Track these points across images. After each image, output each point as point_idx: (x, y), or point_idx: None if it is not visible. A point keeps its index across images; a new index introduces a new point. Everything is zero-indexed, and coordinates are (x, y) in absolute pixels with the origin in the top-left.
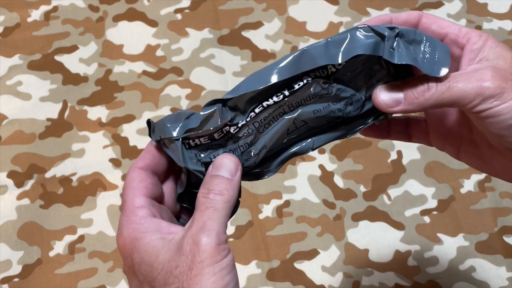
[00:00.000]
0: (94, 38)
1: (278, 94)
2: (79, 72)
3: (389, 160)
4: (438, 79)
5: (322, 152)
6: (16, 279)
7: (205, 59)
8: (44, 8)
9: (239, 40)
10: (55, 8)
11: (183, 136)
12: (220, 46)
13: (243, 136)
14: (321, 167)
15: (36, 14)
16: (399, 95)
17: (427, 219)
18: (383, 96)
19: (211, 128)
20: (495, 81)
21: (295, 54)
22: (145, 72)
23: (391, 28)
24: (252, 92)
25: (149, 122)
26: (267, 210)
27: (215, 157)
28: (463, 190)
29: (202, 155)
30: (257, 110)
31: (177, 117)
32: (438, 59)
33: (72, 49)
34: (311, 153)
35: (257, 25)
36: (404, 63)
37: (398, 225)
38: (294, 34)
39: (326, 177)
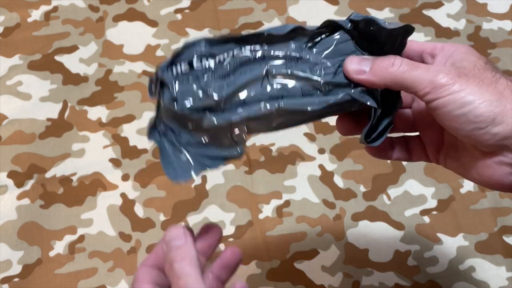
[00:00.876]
0: (94, 38)
1: (257, 45)
2: (79, 72)
3: (388, 160)
4: (404, 61)
5: (322, 152)
6: (16, 279)
7: None
8: (44, 8)
9: None
10: (55, 8)
11: (169, 60)
12: None
13: (219, 69)
14: (321, 167)
15: (36, 14)
16: (366, 66)
17: (427, 219)
18: (352, 64)
19: (193, 54)
20: (449, 74)
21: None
22: (145, 72)
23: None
24: (236, 35)
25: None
26: (267, 210)
27: (188, 79)
28: (463, 190)
29: (181, 77)
30: (235, 52)
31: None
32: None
33: (72, 49)
34: (311, 153)
35: (257, 25)
36: (364, 18)
37: (398, 225)
38: None
39: (326, 177)
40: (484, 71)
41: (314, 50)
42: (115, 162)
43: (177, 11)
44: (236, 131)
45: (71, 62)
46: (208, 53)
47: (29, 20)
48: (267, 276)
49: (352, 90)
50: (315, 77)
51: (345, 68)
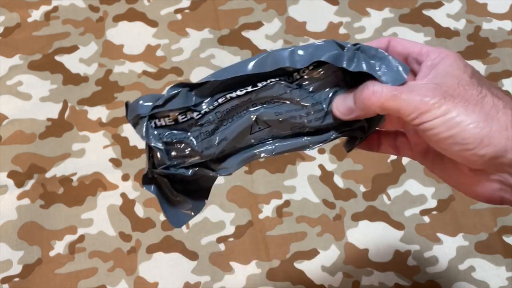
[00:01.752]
0: (94, 38)
1: (242, 89)
2: (79, 72)
3: (388, 160)
4: (385, 87)
5: (322, 152)
6: (16, 279)
7: (205, 59)
8: (44, 8)
9: (239, 40)
10: (55, 8)
11: (150, 113)
12: (220, 46)
13: (205, 124)
14: (321, 167)
15: (36, 14)
16: (350, 101)
17: (426, 219)
18: (339, 105)
19: (175, 108)
20: (435, 97)
21: (262, 55)
22: (145, 72)
23: (354, 44)
24: (216, 81)
25: (126, 104)
26: (267, 210)
27: (176, 139)
28: None
29: (166, 134)
30: (220, 100)
31: (150, 97)
32: (395, 71)
33: (72, 49)
34: (311, 153)
35: (257, 25)
36: (359, 70)
37: (398, 225)
38: (294, 34)
39: (326, 177)
40: (470, 88)
41: (303, 86)
42: (115, 162)
43: (177, 11)
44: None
45: (71, 62)
46: (190, 106)
47: (29, 20)
48: (267, 276)
49: (340, 133)
50: (306, 124)
51: (335, 114)
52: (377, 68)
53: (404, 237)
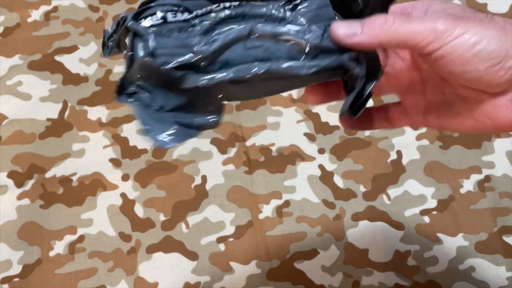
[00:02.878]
0: (94, 38)
1: (236, 1)
2: (79, 72)
3: (388, 160)
4: (396, 16)
5: (322, 152)
6: (16, 279)
7: None
8: (44, 8)
9: None
10: (55, 8)
11: (136, 11)
12: None
13: (197, 24)
14: (321, 167)
15: (36, 14)
16: (357, 27)
17: (426, 219)
18: (341, 28)
19: (166, 3)
20: (448, 20)
21: None
22: None
23: None
24: None
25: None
26: (267, 210)
27: (165, 30)
28: (462, 190)
29: (153, 29)
30: (214, 7)
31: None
32: None
33: (72, 49)
34: (311, 153)
35: None
36: None
37: (398, 225)
38: None
39: (326, 177)
40: (475, 13)
41: (295, 12)
42: (115, 162)
43: None
44: (216, 95)
45: (71, 62)
46: (181, 6)
47: (29, 20)
48: (267, 276)
49: (340, 56)
50: (302, 40)
51: (334, 33)
52: None
53: (404, 237)
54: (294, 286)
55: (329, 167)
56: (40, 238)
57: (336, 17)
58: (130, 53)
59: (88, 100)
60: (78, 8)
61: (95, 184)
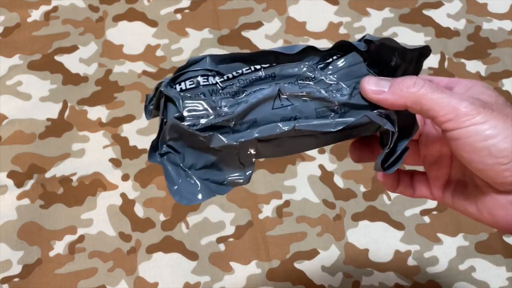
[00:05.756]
0: (94, 38)
1: (267, 63)
2: (79, 72)
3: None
4: (426, 82)
5: (322, 152)
6: (16, 279)
7: None
8: (44, 8)
9: (239, 40)
10: (55, 8)
11: (172, 77)
12: (220, 46)
13: (227, 87)
14: (321, 167)
15: (36, 14)
16: (385, 85)
17: (427, 219)
18: (370, 84)
19: (198, 69)
20: (473, 105)
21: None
22: (145, 72)
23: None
24: (243, 54)
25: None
26: (267, 210)
27: (195, 94)
28: None
29: (187, 94)
30: (244, 70)
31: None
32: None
33: (72, 49)
34: (311, 153)
35: (257, 25)
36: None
37: (398, 225)
38: (294, 34)
39: (326, 177)
40: (506, 107)
41: (327, 71)
42: (115, 162)
43: (177, 11)
44: (245, 153)
45: (71, 62)
46: (214, 70)
47: (29, 20)
48: (267, 276)
49: (369, 113)
50: (331, 99)
51: (363, 88)
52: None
53: (404, 237)
54: (294, 286)
55: (329, 167)
56: (40, 238)
57: (370, 74)
58: (161, 116)
59: (88, 100)
60: (78, 8)
61: (95, 184)
